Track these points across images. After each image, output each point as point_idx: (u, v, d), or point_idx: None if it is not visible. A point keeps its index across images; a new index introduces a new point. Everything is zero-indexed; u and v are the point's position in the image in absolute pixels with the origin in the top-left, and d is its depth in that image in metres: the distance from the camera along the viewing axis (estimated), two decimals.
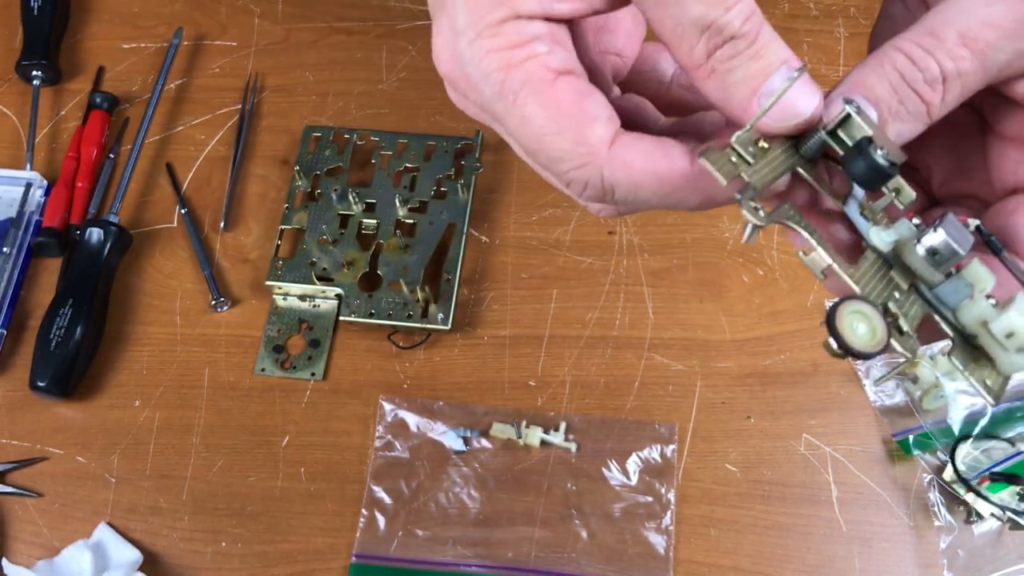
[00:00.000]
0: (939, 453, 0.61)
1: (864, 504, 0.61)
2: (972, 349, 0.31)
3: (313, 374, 0.65)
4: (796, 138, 0.32)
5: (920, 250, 0.31)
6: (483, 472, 0.62)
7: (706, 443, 0.63)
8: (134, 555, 0.59)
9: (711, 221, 0.70)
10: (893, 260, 0.32)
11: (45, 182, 0.72)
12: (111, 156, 0.74)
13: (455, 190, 0.70)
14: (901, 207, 0.32)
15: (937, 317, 0.31)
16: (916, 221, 0.32)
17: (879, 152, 0.30)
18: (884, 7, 0.37)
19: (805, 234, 0.31)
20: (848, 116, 0.31)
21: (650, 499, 0.61)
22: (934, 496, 0.60)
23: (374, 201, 0.70)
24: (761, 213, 0.30)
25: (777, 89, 0.30)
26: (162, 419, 0.64)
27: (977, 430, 0.60)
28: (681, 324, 0.67)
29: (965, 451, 0.60)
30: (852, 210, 0.33)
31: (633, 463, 0.62)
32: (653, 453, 0.62)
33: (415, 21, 0.79)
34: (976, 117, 0.36)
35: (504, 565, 0.59)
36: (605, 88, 0.35)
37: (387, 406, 0.64)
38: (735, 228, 0.70)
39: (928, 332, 0.32)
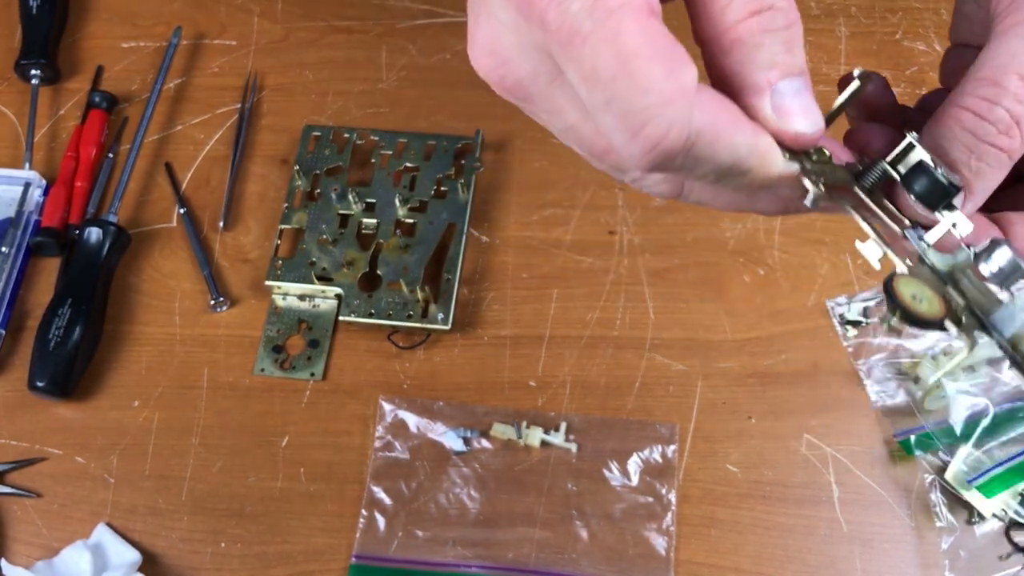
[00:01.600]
0: (940, 453, 0.61)
1: (865, 505, 0.60)
2: None
3: (313, 374, 0.65)
4: (859, 171, 0.33)
5: (987, 267, 0.31)
6: (483, 473, 0.62)
7: (707, 443, 0.63)
8: (133, 556, 0.59)
9: (712, 221, 0.70)
10: (948, 281, 0.32)
11: (44, 182, 0.72)
12: (110, 155, 0.73)
13: (455, 190, 0.70)
14: (959, 238, 0.33)
15: (993, 335, 0.31)
16: (975, 250, 0.32)
17: (939, 171, 0.31)
18: (957, 6, 0.37)
19: (863, 223, 0.32)
20: (911, 146, 0.32)
21: (651, 500, 0.61)
22: (936, 497, 0.60)
23: (374, 201, 0.69)
24: (821, 186, 0.30)
25: (792, 92, 0.29)
26: (161, 419, 0.64)
27: (979, 432, 0.60)
28: (682, 324, 0.66)
29: (967, 451, 0.60)
30: (912, 236, 0.33)
31: (634, 463, 0.62)
32: (654, 453, 0.62)
33: (415, 20, 0.79)
34: None
35: (504, 566, 0.59)
36: None
37: (387, 406, 0.64)
38: (736, 228, 0.69)
39: None
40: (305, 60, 0.78)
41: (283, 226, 0.69)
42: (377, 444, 0.63)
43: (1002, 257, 0.31)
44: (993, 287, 0.31)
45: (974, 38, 0.35)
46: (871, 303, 0.66)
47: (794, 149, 0.30)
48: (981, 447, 0.60)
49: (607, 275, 0.68)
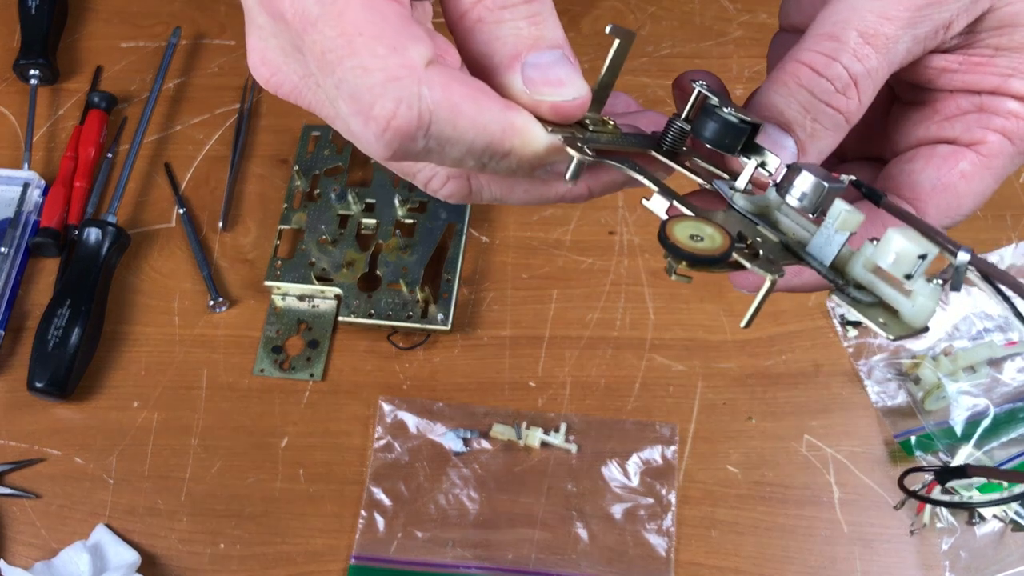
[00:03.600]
0: (941, 454, 0.61)
1: (866, 505, 0.60)
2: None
3: (312, 375, 0.65)
4: (659, 137, 0.32)
5: (792, 196, 0.29)
6: (483, 473, 0.62)
7: (707, 444, 0.62)
8: (132, 556, 0.59)
9: None
10: (760, 222, 0.31)
11: (43, 182, 0.72)
12: (109, 156, 0.73)
13: None
14: (767, 177, 0.31)
15: (812, 265, 0.29)
16: (775, 182, 0.31)
17: (726, 111, 0.30)
18: None
19: (637, 175, 0.30)
20: (700, 96, 0.30)
21: (651, 500, 0.60)
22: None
23: (373, 201, 0.69)
24: (587, 149, 0.28)
25: (544, 64, 0.28)
26: (160, 420, 0.64)
27: (979, 432, 0.60)
28: (682, 324, 0.66)
29: (967, 452, 0.60)
30: (721, 186, 0.31)
31: (634, 464, 0.62)
32: (654, 454, 0.62)
33: None
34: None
35: (504, 567, 0.59)
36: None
37: (387, 407, 0.64)
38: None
39: None
40: None
41: (282, 226, 0.69)
42: (377, 445, 0.63)
43: (804, 183, 0.29)
44: (806, 217, 0.29)
45: (804, 19, 0.34)
46: None
47: (561, 122, 0.29)
48: (981, 448, 0.60)
49: (607, 275, 0.68)
